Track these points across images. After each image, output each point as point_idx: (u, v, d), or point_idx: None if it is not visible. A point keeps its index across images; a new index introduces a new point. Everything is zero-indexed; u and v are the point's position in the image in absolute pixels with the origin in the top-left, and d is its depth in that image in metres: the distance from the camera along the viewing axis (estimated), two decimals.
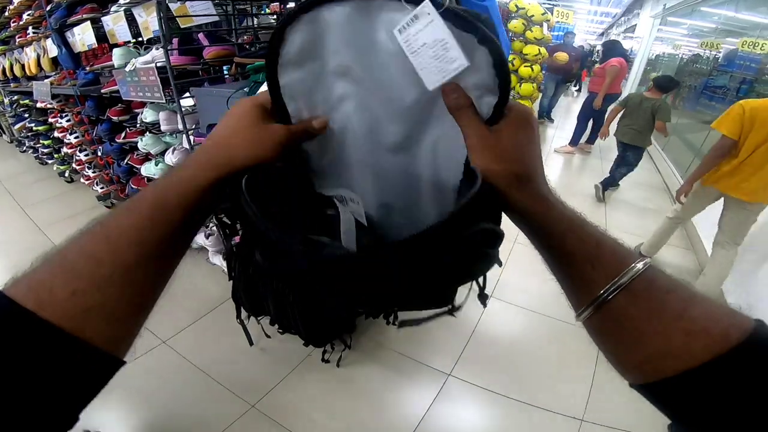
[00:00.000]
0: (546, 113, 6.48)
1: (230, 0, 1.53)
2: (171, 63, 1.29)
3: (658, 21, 8.39)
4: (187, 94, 1.50)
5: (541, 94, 5.83)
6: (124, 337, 0.28)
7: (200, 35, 1.48)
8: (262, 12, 2.34)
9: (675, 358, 0.27)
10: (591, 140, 5.27)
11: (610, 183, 3.89)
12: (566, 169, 4.85)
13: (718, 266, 2.28)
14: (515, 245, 2.91)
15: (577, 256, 0.33)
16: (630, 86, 8.71)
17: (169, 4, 1.29)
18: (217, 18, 1.53)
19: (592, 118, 5.06)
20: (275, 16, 2.19)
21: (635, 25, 10.01)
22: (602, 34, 14.11)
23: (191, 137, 1.66)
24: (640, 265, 0.30)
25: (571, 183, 4.53)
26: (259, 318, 1.68)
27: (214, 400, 1.68)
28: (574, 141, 5.16)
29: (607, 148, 5.43)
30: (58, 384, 0.24)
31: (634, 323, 0.29)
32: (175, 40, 1.44)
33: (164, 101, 1.57)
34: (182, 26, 1.41)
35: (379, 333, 2.02)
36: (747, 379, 0.25)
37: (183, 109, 1.57)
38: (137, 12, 1.47)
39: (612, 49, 4.85)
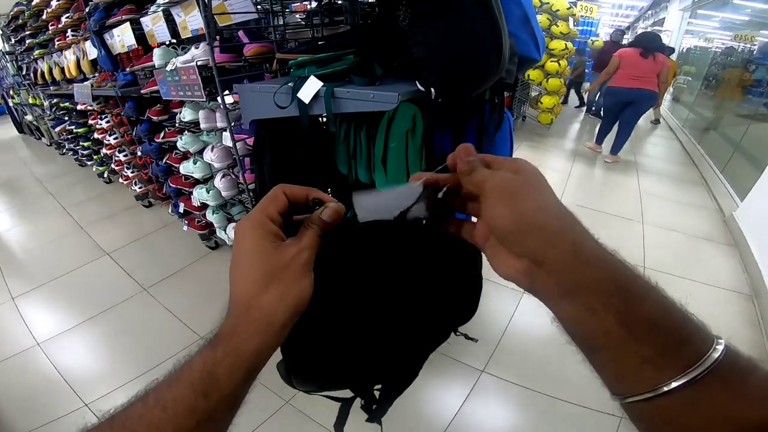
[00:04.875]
0: (595, 109, 6.50)
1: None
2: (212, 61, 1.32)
3: (687, 14, 8.14)
4: (227, 92, 1.54)
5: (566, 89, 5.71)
6: None
7: (240, 33, 1.52)
8: (290, 11, 2.37)
9: None
10: (615, 149, 4.64)
11: None
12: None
13: None
14: None
15: (643, 341, 0.28)
16: None
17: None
18: (256, 15, 1.56)
19: (618, 120, 4.53)
20: (304, 15, 2.22)
21: (663, 18, 9.72)
22: (628, 28, 13.70)
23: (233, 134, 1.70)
24: (720, 347, 0.27)
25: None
26: None
27: (251, 396, 1.72)
28: (599, 139, 4.86)
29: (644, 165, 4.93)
30: None
31: (709, 409, 0.26)
32: (217, 38, 1.48)
33: (204, 99, 1.62)
34: (221, 24, 1.45)
35: None
36: None
37: (228, 106, 1.61)
38: (175, 12, 1.51)
39: (636, 41, 4.41)
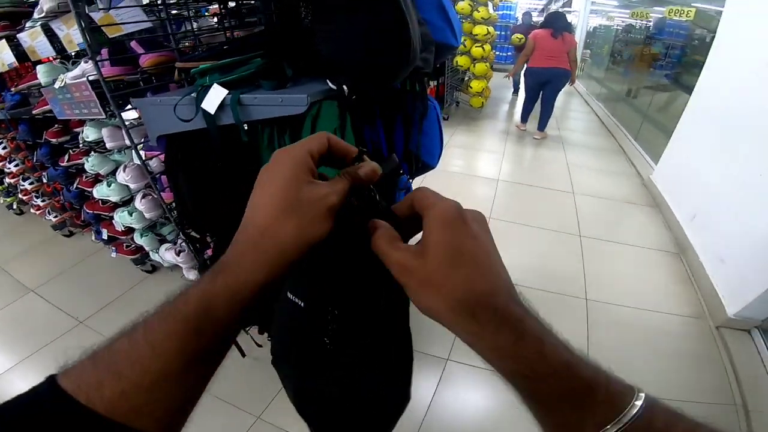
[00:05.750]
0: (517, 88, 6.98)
1: (164, 5, 1.43)
2: (104, 75, 1.19)
3: None
4: (129, 106, 1.40)
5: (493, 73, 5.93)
6: (174, 423, 0.29)
7: (132, 43, 1.38)
8: (201, 14, 2.23)
9: None
10: (540, 126, 4.94)
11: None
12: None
13: None
14: (490, 221, 3.01)
15: (564, 403, 0.28)
16: None
17: (91, 14, 1.19)
18: (149, 24, 1.43)
19: (540, 99, 4.75)
20: (216, 18, 2.09)
21: None
22: (543, 10, 14.49)
23: (141, 152, 1.56)
24: (637, 404, 0.27)
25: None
26: (247, 329, 1.66)
27: (220, 416, 1.65)
28: (524, 118, 5.14)
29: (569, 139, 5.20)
30: None
31: None
32: (104, 51, 1.34)
33: (104, 117, 1.47)
34: (111, 36, 1.31)
35: None
36: None
37: (128, 123, 1.48)
38: (56, 26, 1.35)
39: (545, 21, 4.67)
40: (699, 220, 2.65)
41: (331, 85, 0.92)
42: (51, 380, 0.26)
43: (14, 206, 3.66)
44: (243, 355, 1.65)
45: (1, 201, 3.70)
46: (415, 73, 1.21)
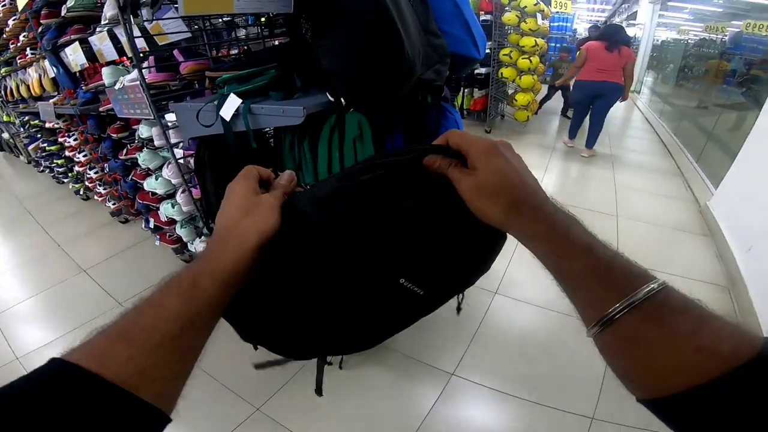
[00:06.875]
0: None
1: (200, 17, 1.56)
2: (148, 80, 1.33)
3: (658, 6, 8.27)
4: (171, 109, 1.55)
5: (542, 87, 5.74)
6: (170, 394, 0.34)
7: (175, 51, 1.52)
8: (249, 24, 2.38)
9: (684, 375, 0.28)
10: (589, 143, 4.67)
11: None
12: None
13: None
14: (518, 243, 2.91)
15: (587, 279, 0.34)
16: (636, 72, 8.55)
17: (144, 24, 1.34)
18: (189, 34, 1.57)
19: (589, 114, 4.55)
20: (259, 27, 2.23)
21: (636, 12, 9.83)
22: (605, 23, 13.84)
23: (181, 151, 1.70)
24: (653, 286, 0.31)
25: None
26: None
27: (221, 403, 1.73)
28: (571, 133, 4.93)
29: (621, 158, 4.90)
30: None
31: (644, 341, 0.31)
32: (151, 58, 1.48)
33: (153, 117, 1.62)
34: (160, 43, 1.45)
35: None
36: (754, 396, 0.26)
37: (171, 124, 1.62)
38: (118, 32, 1.52)
39: (601, 34, 4.51)
40: (755, 252, 2.41)
41: (329, 97, 0.97)
42: (54, 359, 0.30)
43: (81, 192, 4.08)
44: (255, 348, 1.73)
45: (70, 186, 4.14)
46: (427, 85, 1.23)
